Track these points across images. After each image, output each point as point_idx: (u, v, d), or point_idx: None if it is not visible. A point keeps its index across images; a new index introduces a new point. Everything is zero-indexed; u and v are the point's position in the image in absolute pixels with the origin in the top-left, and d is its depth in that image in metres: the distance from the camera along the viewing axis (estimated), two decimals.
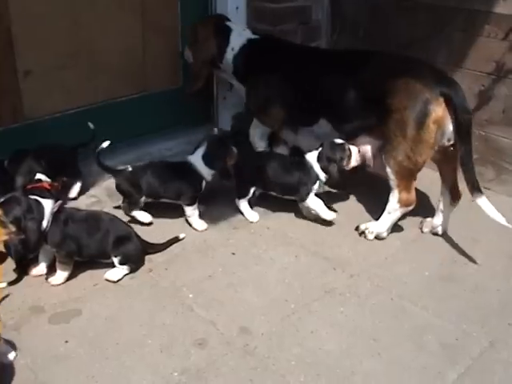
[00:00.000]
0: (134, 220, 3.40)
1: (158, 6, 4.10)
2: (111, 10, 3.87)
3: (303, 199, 3.49)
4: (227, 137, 3.93)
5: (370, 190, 3.71)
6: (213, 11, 4.29)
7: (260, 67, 3.84)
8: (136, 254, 3.07)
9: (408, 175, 3.27)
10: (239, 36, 3.92)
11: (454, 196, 3.42)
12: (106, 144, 3.34)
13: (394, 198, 3.33)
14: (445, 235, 3.44)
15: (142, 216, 3.43)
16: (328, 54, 3.94)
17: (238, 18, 4.25)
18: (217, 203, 3.68)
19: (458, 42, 3.90)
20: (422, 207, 3.60)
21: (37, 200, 2.85)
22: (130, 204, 3.42)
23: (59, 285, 2.93)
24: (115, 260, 2.99)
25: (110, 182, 3.72)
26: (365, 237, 3.41)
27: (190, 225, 3.46)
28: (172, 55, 4.28)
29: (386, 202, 3.37)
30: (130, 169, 3.42)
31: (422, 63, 3.38)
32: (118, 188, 3.43)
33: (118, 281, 2.98)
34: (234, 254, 3.24)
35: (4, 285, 2.89)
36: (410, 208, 3.38)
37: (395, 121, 3.19)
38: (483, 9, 3.73)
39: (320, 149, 3.47)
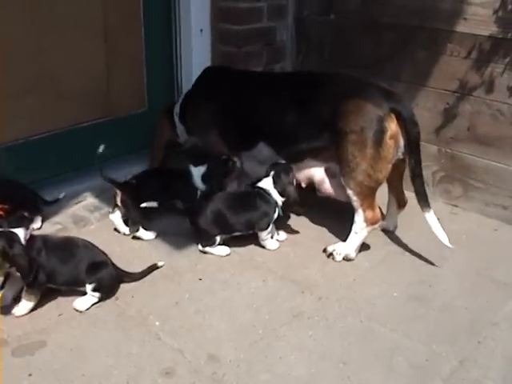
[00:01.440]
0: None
1: (121, 32, 4.07)
2: (74, 36, 3.82)
3: (263, 229, 3.43)
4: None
5: (331, 210, 3.71)
6: (177, 35, 4.27)
7: (195, 101, 3.90)
8: (110, 281, 3.03)
9: (370, 193, 3.30)
10: (179, 101, 4.04)
11: (400, 203, 3.60)
12: (101, 148, 3.35)
13: (359, 217, 3.33)
14: (413, 254, 3.44)
15: (147, 234, 3.54)
16: (270, 77, 3.94)
17: (202, 41, 4.26)
18: (183, 228, 3.62)
19: (422, 61, 3.93)
20: None
21: None
22: (133, 223, 3.50)
23: (23, 315, 2.87)
24: (88, 287, 2.94)
25: (76, 209, 3.69)
26: (333, 258, 3.38)
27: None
28: (136, 80, 4.24)
29: (348, 220, 3.37)
30: (134, 181, 3.52)
31: (368, 83, 3.37)
32: (123, 202, 3.47)
33: (85, 310, 2.93)
34: (201, 279, 3.21)
35: None
36: (377, 226, 3.40)
37: (352, 142, 3.20)
38: (445, 27, 3.77)
39: (272, 173, 3.43)
